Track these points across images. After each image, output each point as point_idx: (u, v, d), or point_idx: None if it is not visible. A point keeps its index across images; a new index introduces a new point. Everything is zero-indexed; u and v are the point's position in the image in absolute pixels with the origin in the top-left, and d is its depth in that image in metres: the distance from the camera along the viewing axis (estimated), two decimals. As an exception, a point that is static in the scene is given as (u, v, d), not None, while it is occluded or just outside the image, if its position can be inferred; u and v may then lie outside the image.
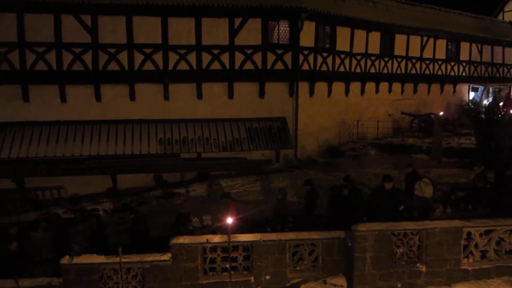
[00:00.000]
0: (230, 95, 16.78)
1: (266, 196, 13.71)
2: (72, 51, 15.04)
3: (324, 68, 18.49)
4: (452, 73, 24.73)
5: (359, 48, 19.90)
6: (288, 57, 16.92)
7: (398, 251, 8.13)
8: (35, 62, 14.79)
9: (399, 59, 21.91)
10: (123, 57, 15.48)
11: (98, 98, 15.57)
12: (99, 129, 15.33)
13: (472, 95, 26.78)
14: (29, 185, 14.53)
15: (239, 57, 16.45)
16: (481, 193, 11.71)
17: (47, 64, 14.88)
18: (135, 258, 7.95)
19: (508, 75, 28.07)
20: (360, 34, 19.81)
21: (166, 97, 16.16)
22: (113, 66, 15.44)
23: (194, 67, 16.13)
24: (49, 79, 14.99)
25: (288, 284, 8.23)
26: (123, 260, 7.75)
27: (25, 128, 14.87)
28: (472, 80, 25.87)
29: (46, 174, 14.34)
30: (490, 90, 27.29)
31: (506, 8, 30.90)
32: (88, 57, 15.19)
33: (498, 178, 11.91)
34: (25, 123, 14.91)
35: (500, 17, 30.88)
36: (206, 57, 16.18)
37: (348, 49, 19.45)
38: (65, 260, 7.88)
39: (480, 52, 26.05)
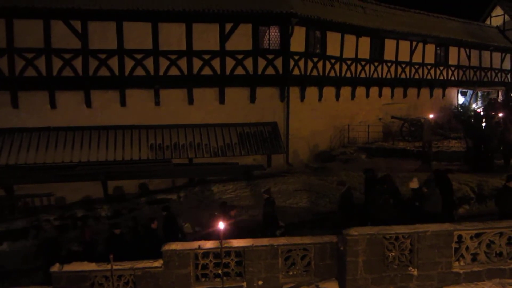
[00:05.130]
0: (221, 100, 16.77)
1: (257, 201, 13.68)
2: (61, 57, 14.94)
3: (314, 73, 18.56)
4: (441, 78, 24.98)
5: (349, 53, 20.01)
6: (279, 62, 16.97)
7: (390, 254, 8.17)
8: (24, 68, 14.66)
9: (389, 64, 22.08)
10: (114, 62, 15.40)
11: (88, 104, 15.47)
12: (89, 135, 15.25)
13: (461, 99, 27.06)
14: (19, 192, 14.37)
15: (230, 63, 16.45)
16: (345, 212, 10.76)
17: (36, 70, 14.76)
18: (126, 265, 7.90)
19: (496, 79, 28.41)
20: (350, 39, 19.94)
21: (157, 103, 16.11)
22: (104, 72, 15.35)
23: (185, 72, 16.09)
24: (39, 85, 14.86)
25: (280, 289, 8.22)
26: (114, 267, 7.68)
27: (14, 135, 14.74)
28: (461, 84, 26.16)
29: (35, 181, 14.20)
30: (479, 94, 27.60)
31: (494, 13, 31.30)
32: (78, 63, 15.10)
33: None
34: (14, 130, 14.79)
35: (487, 22, 31.29)
36: (197, 63, 16.16)
37: (338, 54, 19.55)
38: (55, 268, 7.80)
39: (469, 57, 26.35)
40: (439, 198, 10.05)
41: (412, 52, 23.07)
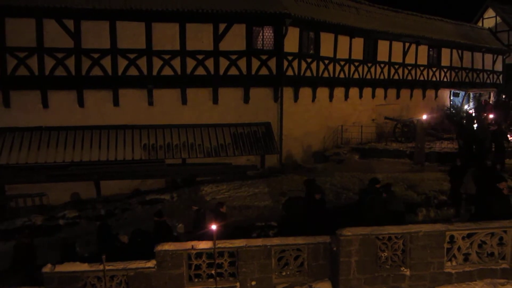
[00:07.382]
0: (215, 101, 16.75)
1: (251, 202, 13.69)
2: (54, 56, 14.85)
3: (308, 73, 18.59)
4: (434, 79, 25.12)
5: (342, 53, 20.06)
6: (272, 63, 16.97)
7: (382, 255, 8.20)
8: (16, 67, 14.56)
9: (382, 65, 22.17)
10: (107, 62, 15.33)
11: (81, 103, 15.39)
12: (82, 135, 15.18)
13: (453, 100, 27.23)
14: (10, 192, 14.27)
15: (223, 63, 16.43)
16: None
17: (28, 69, 14.66)
18: (119, 265, 7.85)
19: (488, 81, 28.62)
20: (343, 40, 19.99)
21: (150, 103, 16.06)
22: (97, 71, 15.28)
23: (179, 72, 16.06)
24: (31, 84, 14.76)
25: (274, 290, 8.22)
26: (107, 267, 7.64)
27: (6, 134, 14.63)
28: (453, 85, 26.32)
29: (27, 181, 14.13)
30: (471, 95, 27.80)
31: (486, 15, 31.57)
32: (70, 62, 15.02)
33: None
34: (5, 129, 14.68)
35: (479, 23, 31.53)
36: (190, 63, 16.13)
37: (332, 55, 19.59)
38: (47, 268, 7.74)
39: (461, 58, 26.53)
40: (400, 201, 10.41)
41: (405, 53, 23.18)
